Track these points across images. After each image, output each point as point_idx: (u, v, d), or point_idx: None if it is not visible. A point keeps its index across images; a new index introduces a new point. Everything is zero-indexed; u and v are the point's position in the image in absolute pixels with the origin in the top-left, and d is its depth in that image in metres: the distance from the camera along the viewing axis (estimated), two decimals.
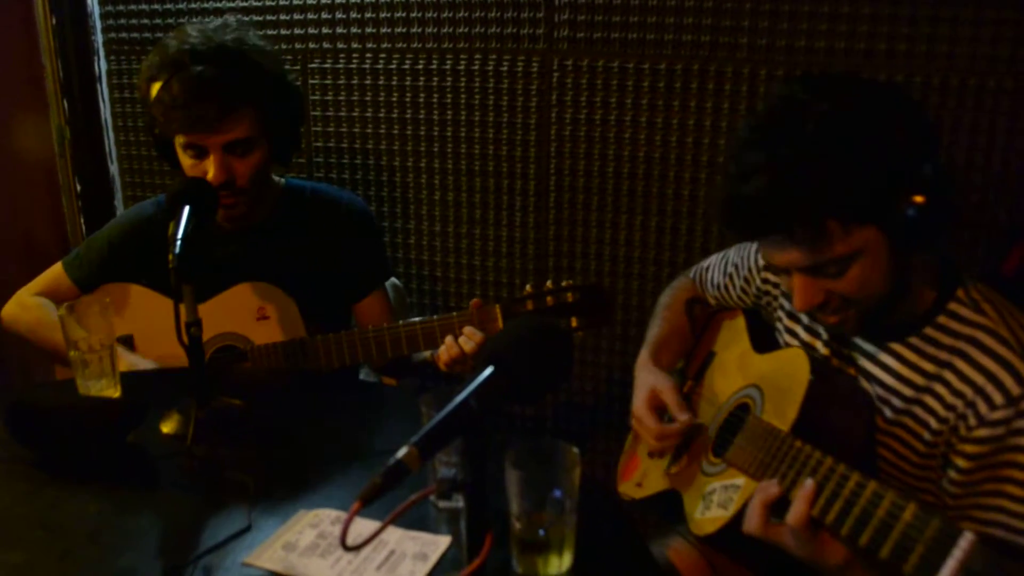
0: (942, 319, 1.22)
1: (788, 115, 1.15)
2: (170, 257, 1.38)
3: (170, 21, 2.54)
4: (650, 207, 2.26)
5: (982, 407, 1.14)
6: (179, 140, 1.75)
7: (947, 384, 1.19)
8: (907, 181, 1.12)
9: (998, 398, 1.12)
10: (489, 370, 0.91)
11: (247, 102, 1.73)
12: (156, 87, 1.72)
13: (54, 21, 2.59)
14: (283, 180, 1.98)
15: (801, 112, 1.14)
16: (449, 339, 1.66)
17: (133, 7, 2.59)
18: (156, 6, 2.56)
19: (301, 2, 2.41)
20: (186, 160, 1.77)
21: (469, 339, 1.65)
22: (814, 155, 1.11)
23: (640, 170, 2.24)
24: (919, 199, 1.11)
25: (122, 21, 2.62)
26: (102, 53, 2.67)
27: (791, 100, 1.16)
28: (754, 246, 1.56)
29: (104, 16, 2.65)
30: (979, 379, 1.15)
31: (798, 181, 1.11)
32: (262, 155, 1.80)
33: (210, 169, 1.73)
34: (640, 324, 2.33)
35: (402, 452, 0.83)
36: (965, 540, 0.90)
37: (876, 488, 1.03)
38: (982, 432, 1.13)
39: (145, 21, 2.58)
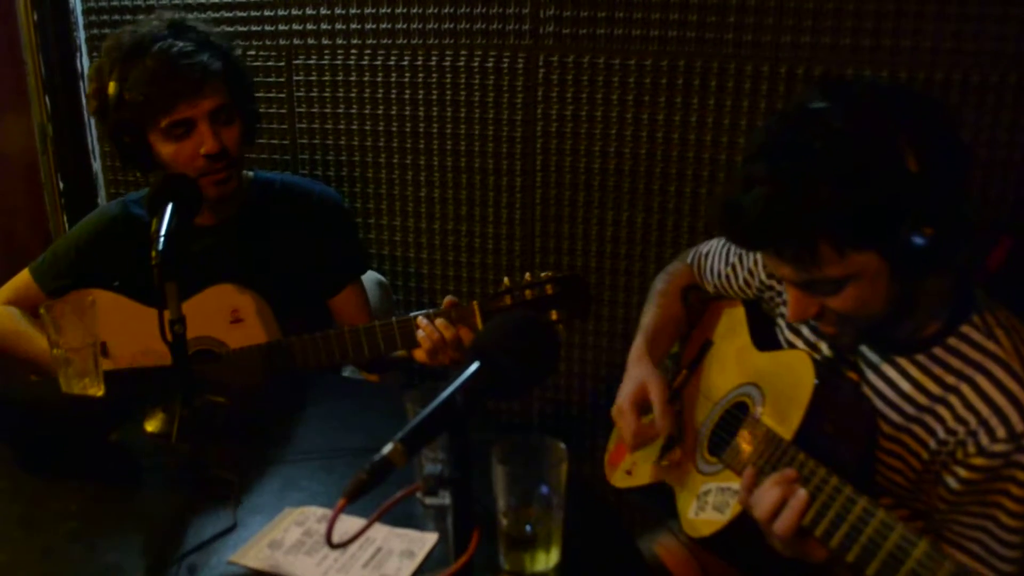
0: (952, 341, 1.19)
1: (800, 127, 1.10)
2: (153, 254, 1.36)
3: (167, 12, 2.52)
4: (636, 203, 2.26)
5: (983, 438, 1.11)
6: (161, 124, 1.72)
7: (951, 408, 1.16)
8: (915, 211, 1.05)
9: (1001, 432, 1.10)
10: (475, 365, 0.90)
11: (218, 69, 1.75)
12: (117, 84, 1.72)
13: (36, 17, 2.57)
14: (251, 174, 1.96)
15: (814, 126, 1.08)
16: (427, 325, 1.63)
17: (116, 3, 2.57)
18: (139, 2, 2.54)
19: None
20: (169, 146, 1.74)
21: (448, 327, 1.63)
22: (815, 176, 1.06)
23: (626, 166, 2.24)
24: (927, 230, 1.05)
25: (104, 17, 2.60)
26: (84, 50, 2.65)
27: (808, 111, 1.11)
28: None
29: (86, 12, 2.62)
30: (984, 410, 1.13)
31: (794, 200, 1.07)
32: (240, 125, 1.81)
33: (204, 141, 1.73)
34: (626, 320, 2.33)
35: (387, 448, 0.83)
36: (950, 562, 0.90)
37: (884, 518, 1.02)
38: (979, 461, 1.12)
39: (128, 17, 2.56)
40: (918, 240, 1.05)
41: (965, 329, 1.19)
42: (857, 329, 1.21)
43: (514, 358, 0.91)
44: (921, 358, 1.21)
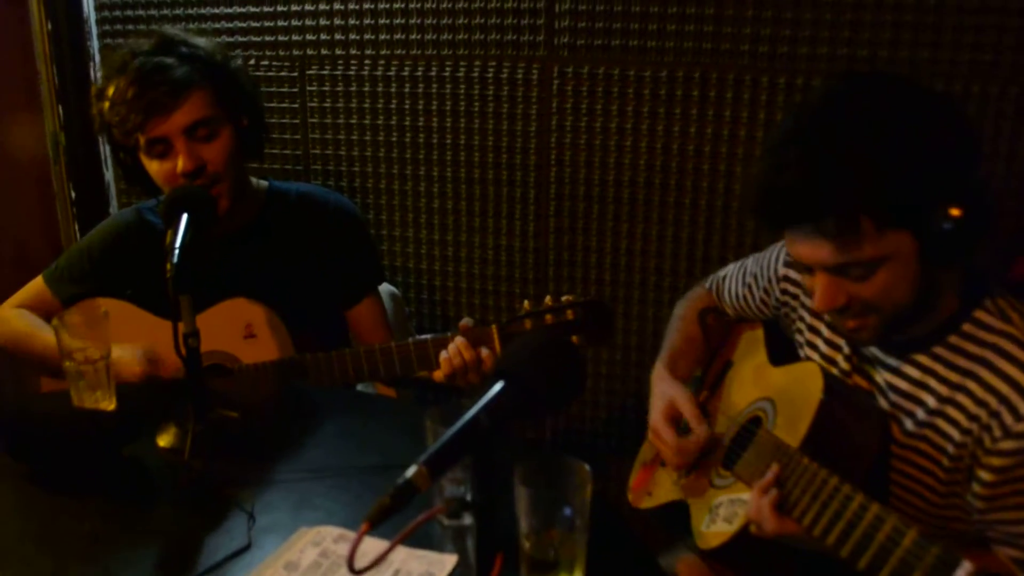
0: (967, 327, 1.19)
1: (829, 110, 1.13)
2: (168, 266, 1.34)
3: (166, 27, 2.51)
4: (651, 215, 2.24)
5: (1007, 418, 1.11)
6: (142, 143, 1.71)
7: (970, 394, 1.16)
8: (947, 190, 1.09)
9: (1023, 408, 1.10)
10: (499, 385, 0.88)
11: (198, 82, 1.71)
12: (103, 104, 1.71)
13: (50, 27, 2.56)
14: (265, 184, 1.94)
15: (843, 107, 1.12)
16: (452, 347, 1.62)
17: (129, 13, 2.57)
18: (153, 12, 2.54)
19: (299, 8, 2.39)
20: (154, 165, 1.72)
21: (468, 349, 1.62)
22: (853, 149, 1.09)
23: (641, 178, 2.22)
24: (957, 211, 1.08)
25: (118, 27, 2.60)
26: (98, 59, 2.64)
27: (833, 96, 1.15)
28: (773, 255, 1.53)
29: (100, 22, 2.62)
30: (1004, 388, 1.12)
31: (834, 172, 1.09)
32: (229, 137, 1.75)
33: (180, 159, 1.69)
34: (641, 333, 2.31)
35: (411, 471, 0.81)
36: (963, 570, 0.90)
37: (878, 512, 1.02)
38: (1007, 444, 1.11)
39: (141, 27, 2.56)
40: (949, 221, 1.08)
41: (978, 314, 1.19)
42: (880, 321, 1.20)
43: (540, 378, 0.89)
44: (938, 349, 1.21)
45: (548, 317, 1.62)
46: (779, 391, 1.37)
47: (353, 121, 2.43)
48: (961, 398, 1.17)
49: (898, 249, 1.12)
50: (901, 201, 1.09)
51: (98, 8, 2.61)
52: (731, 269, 1.67)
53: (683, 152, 2.17)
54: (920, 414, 1.22)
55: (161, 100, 1.67)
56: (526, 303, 1.64)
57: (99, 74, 2.64)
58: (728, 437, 1.43)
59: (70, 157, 2.68)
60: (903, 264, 1.13)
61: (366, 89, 2.39)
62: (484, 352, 1.61)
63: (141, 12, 2.56)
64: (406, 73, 2.34)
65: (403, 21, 2.31)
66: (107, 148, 2.70)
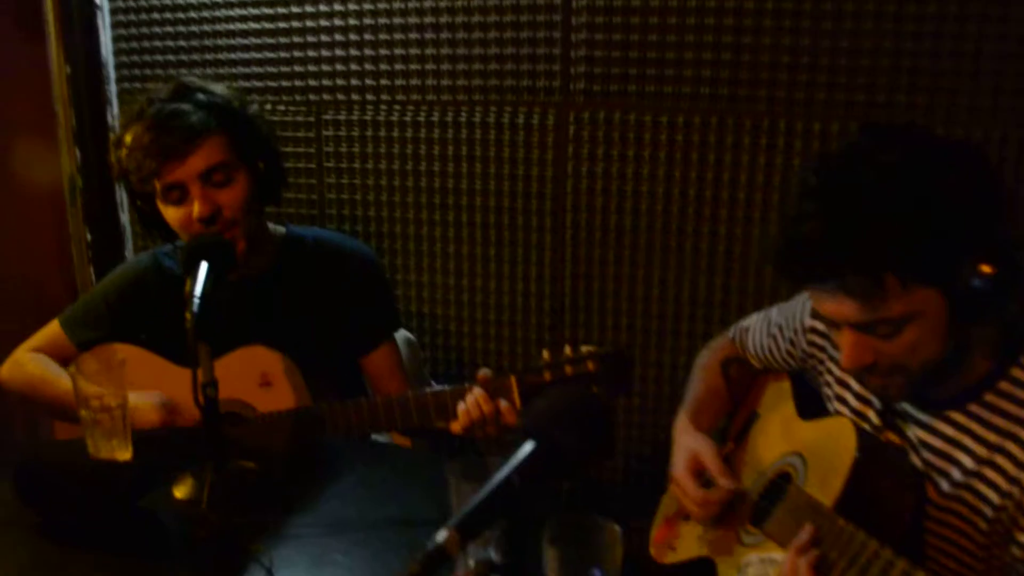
0: (1004, 385, 1.16)
1: (850, 163, 1.11)
2: (188, 316, 1.33)
3: (184, 71, 2.53)
4: (668, 261, 2.23)
5: None
6: (158, 190, 1.71)
7: (1009, 456, 1.13)
8: (974, 245, 1.07)
9: None
10: (530, 445, 0.86)
11: (214, 127, 1.71)
12: (120, 151, 1.72)
13: (68, 70, 2.58)
14: (283, 229, 1.94)
15: (865, 161, 1.10)
16: (470, 399, 1.60)
17: (147, 57, 2.59)
18: (170, 56, 2.56)
19: (315, 54, 2.40)
20: (170, 211, 1.72)
21: (487, 401, 1.59)
22: (876, 205, 1.06)
23: (657, 224, 2.21)
24: (986, 267, 1.05)
25: (136, 71, 2.61)
26: (115, 102, 2.66)
27: (855, 148, 1.13)
28: (799, 306, 1.50)
29: (118, 66, 2.64)
30: None
31: (857, 229, 1.06)
32: (245, 183, 1.75)
33: (195, 205, 1.69)
34: (658, 381, 2.28)
35: (441, 536, 0.79)
36: None
37: None
38: None
39: (159, 71, 2.58)
40: (979, 277, 1.05)
41: (1016, 372, 1.16)
42: (908, 379, 1.18)
43: (571, 438, 0.87)
44: (974, 407, 1.18)
45: (568, 368, 1.58)
46: (810, 446, 1.34)
47: (369, 166, 2.43)
48: (1000, 460, 1.14)
49: (926, 306, 1.09)
50: (927, 258, 1.06)
51: (116, 52, 2.63)
52: (755, 319, 1.64)
53: (700, 198, 2.17)
54: (956, 474, 1.19)
55: (176, 146, 1.67)
56: (545, 353, 1.62)
57: (116, 117, 2.66)
58: (756, 492, 1.40)
59: (86, 199, 2.69)
60: (931, 321, 1.11)
61: (382, 134, 2.40)
62: (503, 404, 1.58)
63: (159, 57, 2.58)
64: (422, 118, 2.35)
65: (419, 67, 2.32)
66: (123, 191, 2.71)
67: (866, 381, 1.24)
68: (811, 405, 1.47)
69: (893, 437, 1.29)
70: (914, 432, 1.26)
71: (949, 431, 1.21)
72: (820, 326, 1.44)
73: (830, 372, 1.43)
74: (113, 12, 2.60)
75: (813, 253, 1.10)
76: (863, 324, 1.13)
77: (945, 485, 1.20)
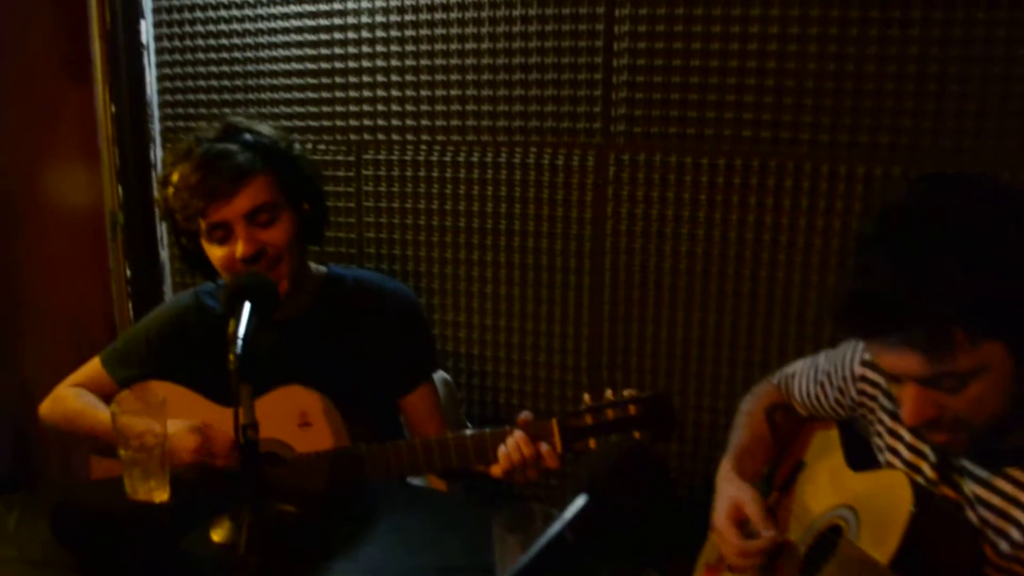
0: None
1: (916, 214, 1.09)
2: (231, 357, 1.33)
3: (227, 111, 2.57)
4: (708, 304, 2.20)
5: None
6: (203, 228, 1.72)
7: None
8: None
9: None
10: (583, 499, 0.84)
11: (260, 168, 1.72)
12: (167, 189, 1.74)
13: (114, 109, 2.63)
14: (324, 269, 1.94)
15: (931, 212, 1.08)
16: (511, 442, 1.57)
17: (191, 96, 2.63)
18: (213, 96, 2.59)
19: (357, 94, 2.42)
20: (215, 250, 1.73)
21: (528, 445, 1.57)
22: (944, 257, 1.04)
23: (698, 266, 2.19)
24: None
25: (180, 111, 2.65)
26: (159, 141, 2.70)
27: (920, 197, 1.10)
28: (848, 353, 1.47)
29: (162, 105, 2.68)
30: None
31: (924, 281, 1.04)
32: (289, 222, 1.76)
33: (239, 244, 1.70)
34: (697, 425, 2.25)
35: None
36: None
37: None
38: None
39: (202, 111, 2.61)
40: None
41: None
42: (971, 435, 1.14)
43: (626, 493, 0.85)
44: None
45: (609, 412, 1.56)
46: (862, 499, 1.30)
47: (408, 206, 2.44)
48: None
49: (992, 360, 1.07)
50: (997, 311, 1.03)
51: (161, 92, 2.68)
52: (801, 366, 1.61)
53: (741, 241, 2.14)
54: (1015, 535, 1.14)
55: (223, 186, 1.69)
56: (586, 396, 1.59)
57: (160, 156, 2.70)
58: (805, 545, 1.36)
59: (127, 235, 2.72)
60: (997, 375, 1.08)
61: (421, 174, 2.40)
62: (544, 448, 1.56)
63: (203, 96, 2.61)
64: (461, 159, 2.35)
65: (459, 107, 2.33)
66: (163, 227, 2.74)
67: (928, 436, 1.20)
68: (860, 455, 1.43)
69: (948, 492, 1.25)
70: (971, 488, 1.21)
71: (1009, 488, 1.16)
72: (871, 374, 1.40)
73: (881, 422, 1.39)
74: (158, 52, 2.65)
75: (879, 306, 1.08)
76: (928, 378, 1.10)
77: (1004, 546, 1.15)
